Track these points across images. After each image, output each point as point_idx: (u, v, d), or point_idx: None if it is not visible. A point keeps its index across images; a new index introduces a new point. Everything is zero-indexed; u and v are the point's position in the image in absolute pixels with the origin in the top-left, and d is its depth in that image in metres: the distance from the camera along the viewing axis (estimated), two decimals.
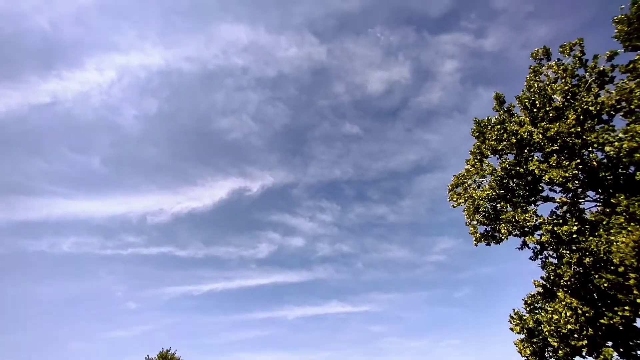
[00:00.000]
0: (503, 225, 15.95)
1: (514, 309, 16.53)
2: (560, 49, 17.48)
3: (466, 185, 17.29)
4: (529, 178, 16.24)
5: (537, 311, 16.00)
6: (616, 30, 16.32)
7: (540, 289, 16.23)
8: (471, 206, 16.67)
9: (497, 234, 16.28)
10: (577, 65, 17.00)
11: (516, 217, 15.68)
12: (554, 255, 15.95)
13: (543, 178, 15.71)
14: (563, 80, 16.96)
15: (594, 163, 15.45)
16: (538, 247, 16.25)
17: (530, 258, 16.59)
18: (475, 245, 16.71)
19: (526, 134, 16.61)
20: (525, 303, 16.55)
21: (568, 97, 16.69)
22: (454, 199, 17.33)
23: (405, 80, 35.25)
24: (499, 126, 17.31)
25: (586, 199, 16.21)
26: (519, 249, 16.60)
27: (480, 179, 17.08)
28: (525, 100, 17.36)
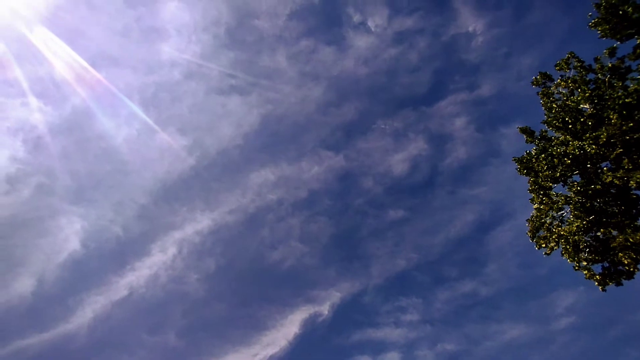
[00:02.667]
0: (621, 254, 12.82)
1: None
2: (557, 67, 17.29)
3: (547, 225, 14.65)
4: (612, 191, 13.85)
5: None
6: (599, 31, 16.41)
7: None
8: (568, 246, 13.73)
9: (621, 268, 12.97)
10: (584, 73, 16.54)
11: (630, 240, 12.71)
12: None
13: (630, 185, 13.37)
14: (579, 89, 16.21)
15: None
16: None
17: None
18: (603, 290, 13.16)
19: (577, 150, 14.92)
20: None
21: (596, 101, 15.65)
22: (543, 245, 14.43)
23: (425, 151, 34.89)
24: (543, 155, 15.70)
25: None
26: None
27: (559, 213, 14.57)
28: (555, 122, 16.24)
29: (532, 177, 15.98)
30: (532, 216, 15.17)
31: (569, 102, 16.27)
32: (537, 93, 17.49)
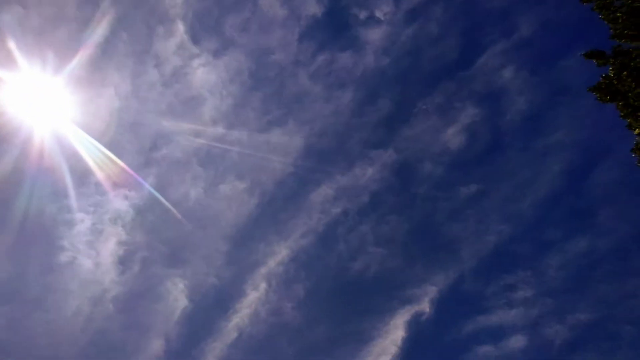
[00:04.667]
0: None
1: None
2: None
3: None
4: None
5: None
6: None
7: None
8: None
9: None
10: None
11: None
12: None
13: None
14: None
15: None
16: None
17: None
18: None
19: None
20: None
21: None
22: None
23: (478, 116, 31.02)
24: (625, 72, 13.10)
25: None
26: None
27: None
28: (627, 32, 13.70)
29: (619, 101, 13.22)
30: (638, 143, 12.34)
31: (637, 4, 13.55)
32: (592, 9, 14.89)
